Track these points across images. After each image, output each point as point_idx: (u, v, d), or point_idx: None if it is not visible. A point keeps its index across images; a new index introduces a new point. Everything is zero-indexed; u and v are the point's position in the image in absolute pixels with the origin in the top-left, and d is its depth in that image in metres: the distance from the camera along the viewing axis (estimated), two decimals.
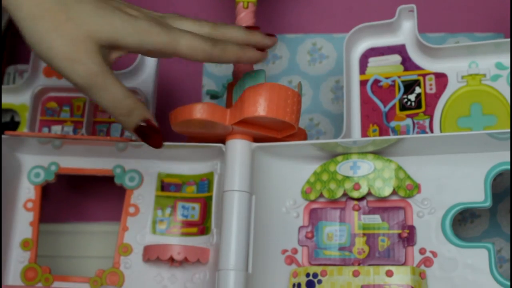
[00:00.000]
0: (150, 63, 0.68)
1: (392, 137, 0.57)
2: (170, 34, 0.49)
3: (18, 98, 0.68)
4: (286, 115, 0.55)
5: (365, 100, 0.64)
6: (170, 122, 0.59)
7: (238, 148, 0.59)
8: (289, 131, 0.58)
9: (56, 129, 0.67)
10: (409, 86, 0.63)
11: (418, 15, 0.63)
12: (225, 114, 0.57)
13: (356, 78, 0.65)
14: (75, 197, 0.74)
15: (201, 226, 0.62)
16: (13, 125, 0.70)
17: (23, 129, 0.66)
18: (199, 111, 0.56)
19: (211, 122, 0.57)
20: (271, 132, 0.59)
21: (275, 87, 0.55)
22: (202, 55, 0.51)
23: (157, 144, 0.53)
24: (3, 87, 0.67)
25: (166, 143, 0.62)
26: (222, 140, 0.60)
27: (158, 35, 0.49)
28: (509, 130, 0.55)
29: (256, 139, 0.60)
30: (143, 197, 0.64)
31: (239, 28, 0.54)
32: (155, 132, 0.52)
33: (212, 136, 0.61)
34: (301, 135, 0.62)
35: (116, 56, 0.49)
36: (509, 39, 0.60)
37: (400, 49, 0.65)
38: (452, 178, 0.58)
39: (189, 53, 0.50)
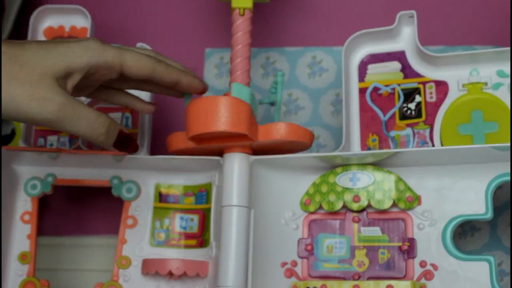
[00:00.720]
0: None
1: (391, 150, 0.57)
2: (117, 49, 0.52)
3: None
4: (216, 125, 0.55)
5: (364, 109, 0.63)
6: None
7: (236, 161, 0.58)
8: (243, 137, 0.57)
9: (52, 139, 0.66)
10: (409, 95, 0.62)
11: (418, 28, 0.61)
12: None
13: (355, 86, 0.64)
14: (74, 210, 0.73)
15: (200, 238, 0.62)
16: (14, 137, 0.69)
17: (19, 140, 0.65)
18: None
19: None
20: (237, 140, 0.58)
21: (197, 103, 0.56)
22: (146, 68, 0.53)
23: (135, 149, 0.57)
24: None
25: (164, 156, 0.61)
26: (220, 153, 0.60)
27: (104, 50, 0.51)
28: (509, 144, 0.54)
29: (255, 151, 0.59)
30: (141, 209, 0.63)
31: (178, 63, 0.58)
32: (131, 139, 0.55)
33: (209, 151, 0.60)
34: (306, 135, 0.60)
35: (72, 84, 0.50)
36: (510, 48, 0.59)
37: (400, 56, 0.63)
38: (453, 189, 0.58)
39: (135, 66, 0.53)
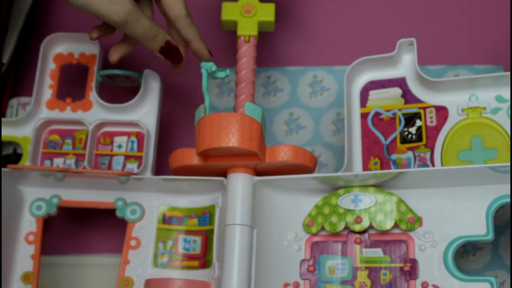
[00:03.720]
0: (153, 96, 0.68)
1: (392, 170, 0.57)
2: None
3: (20, 131, 0.68)
4: (228, 141, 0.56)
5: (366, 133, 0.64)
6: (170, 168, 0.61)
7: (240, 182, 0.59)
8: (257, 157, 0.59)
9: (58, 161, 0.67)
10: (409, 119, 0.64)
11: (418, 48, 0.63)
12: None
13: (357, 111, 0.65)
14: (77, 229, 0.73)
15: (203, 259, 0.62)
16: (16, 157, 0.70)
17: (25, 161, 0.66)
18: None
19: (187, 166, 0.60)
20: (245, 159, 0.59)
21: (210, 118, 0.57)
22: (176, 11, 0.61)
23: (178, 60, 0.62)
24: (5, 120, 0.67)
25: (167, 177, 0.62)
26: (224, 174, 0.61)
27: None
28: (509, 164, 0.55)
29: (258, 172, 0.60)
30: (144, 230, 0.64)
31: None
32: (176, 50, 0.61)
33: (213, 170, 0.61)
34: (312, 160, 0.61)
35: None
36: (509, 73, 0.61)
37: (400, 82, 0.65)
38: (454, 211, 0.58)
39: (169, 3, 0.61)
